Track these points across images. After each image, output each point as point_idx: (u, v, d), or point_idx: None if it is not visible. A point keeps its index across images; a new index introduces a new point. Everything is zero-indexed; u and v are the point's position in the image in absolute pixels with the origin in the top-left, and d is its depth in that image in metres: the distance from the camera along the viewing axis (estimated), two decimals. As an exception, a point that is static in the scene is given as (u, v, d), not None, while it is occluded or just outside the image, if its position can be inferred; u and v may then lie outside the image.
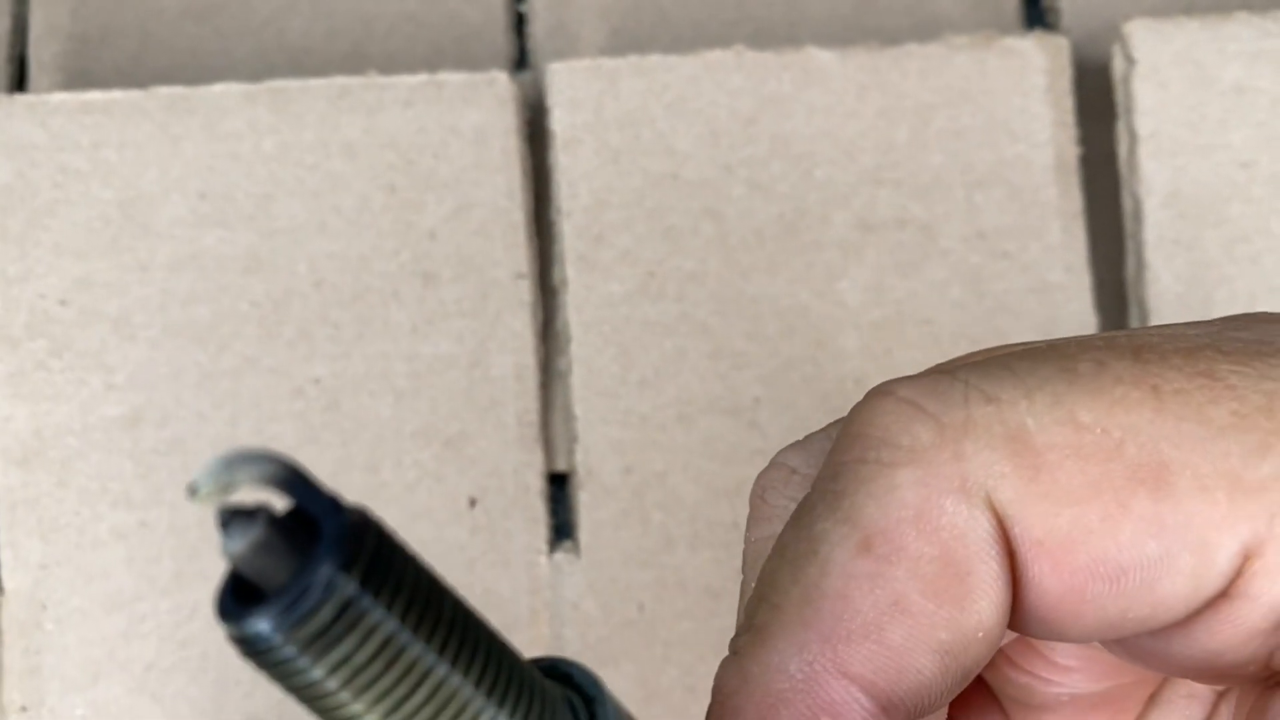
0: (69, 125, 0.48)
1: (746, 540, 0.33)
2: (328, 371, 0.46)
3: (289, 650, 0.21)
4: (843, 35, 0.51)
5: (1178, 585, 0.27)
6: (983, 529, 0.27)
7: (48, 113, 0.48)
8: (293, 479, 0.21)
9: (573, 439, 0.47)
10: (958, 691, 0.29)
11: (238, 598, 0.21)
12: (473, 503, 0.46)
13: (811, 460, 0.31)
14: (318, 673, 0.21)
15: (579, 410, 0.47)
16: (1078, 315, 0.48)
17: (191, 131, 0.48)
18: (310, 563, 0.21)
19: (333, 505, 0.21)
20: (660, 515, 0.46)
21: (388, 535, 0.22)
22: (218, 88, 0.48)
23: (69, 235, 0.47)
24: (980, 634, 0.28)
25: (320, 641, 0.21)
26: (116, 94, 0.48)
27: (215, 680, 0.45)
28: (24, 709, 0.45)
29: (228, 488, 0.21)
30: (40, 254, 0.47)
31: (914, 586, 0.27)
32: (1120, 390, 0.27)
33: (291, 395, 0.46)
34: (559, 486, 0.48)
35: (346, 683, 0.21)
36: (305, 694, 0.22)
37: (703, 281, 0.48)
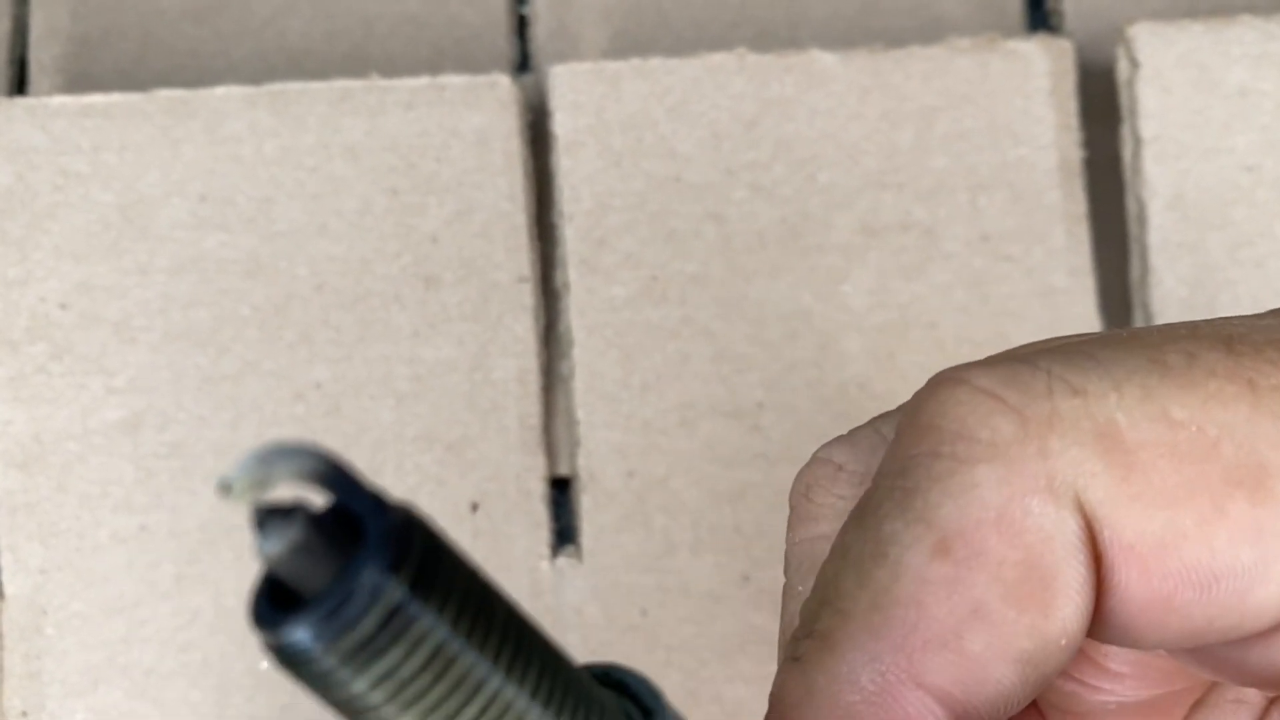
0: (69, 128, 0.48)
1: (789, 541, 0.31)
2: (329, 375, 0.46)
3: (330, 661, 0.19)
4: (845, 38, 0.51)
5: (1271, 595, 0.26)
6: (1071, 532, 0.26)
7: (48, 116, 0.48)
8: (334, 474, 0.19)
9: (575, 443, 0.47)
10: (1034, 696, 0.27)
11: (274, 603, 0.19)
12: (474, 507, 0.46)
13: (859, 456, 0.29)
14: (361, 685, 0.19)
15: (581, 414, 0.47)
16: (1082, 319, 0.48)
17: (192, 134, 0.48)
18: (353, 565, 0.19)
19: (377, 503, 0.19)
20: (663, 520, 0.46)
21: (436, 535, 0.20)
22: (218, 91, 0.48)
23: (69, 238, 0.47)
24: (1063, 642, 0.26)
25: (365, 652, 0.19)
26: (117, 97, 0.48)
27: (216, 685, 0.45)
28: (24, 714, 0.45)
29: (263, 484, 0.19)
30: (40, 257, 0.47)
31: (995, 593, 0.26)
32: (1214, 385, 0.26)
33: (292, 399, 0.46)
34: (561, 491, 0.48)
35: (392, 696, 0.20)
36: (347, 708, 0.20)
37: (705, 285, 0.47)
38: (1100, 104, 0.50)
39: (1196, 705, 0.32)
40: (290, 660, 0.19)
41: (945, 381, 0.27)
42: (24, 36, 0.52)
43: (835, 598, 0.26)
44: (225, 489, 0.19)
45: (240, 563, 0.45)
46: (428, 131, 0.48)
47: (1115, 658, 0.32)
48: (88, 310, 0.47)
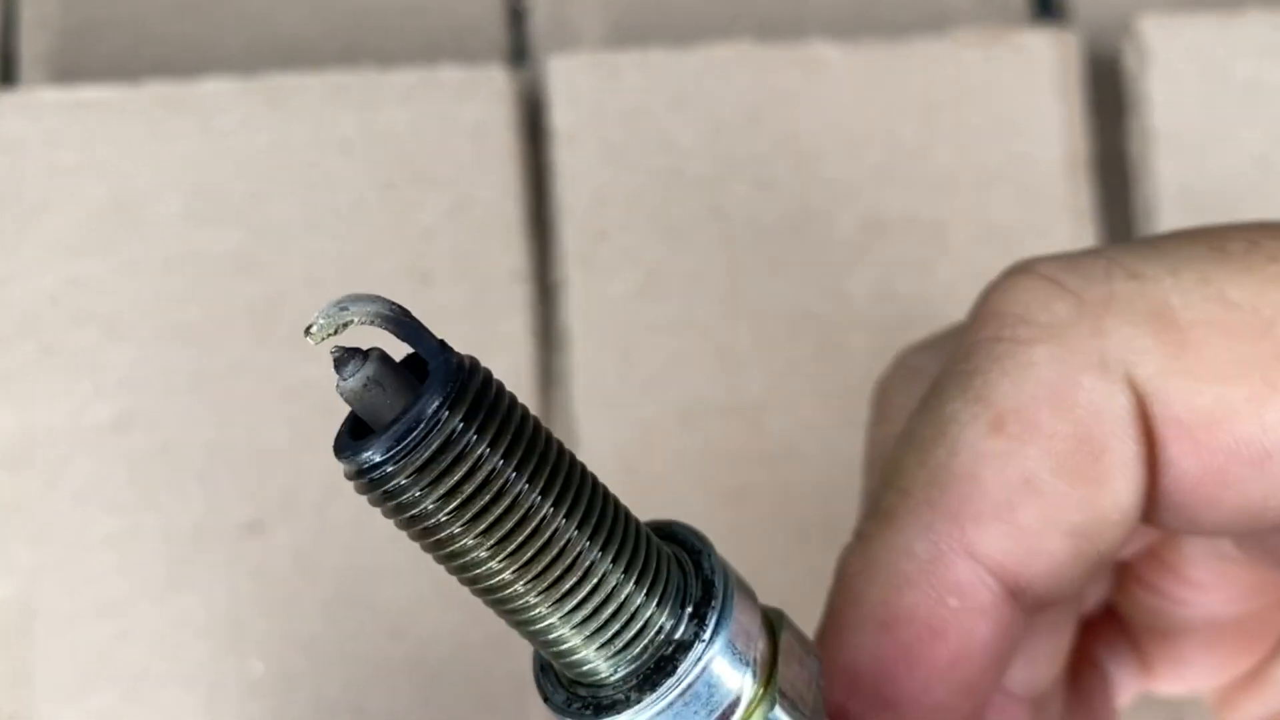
0: (59, 121, 0.48)
1: (869, 441, 0.32)
2: (322, 373, 0.46)
3: (400, 480, 0.22)
4: (849, 29, 0.51)
5: None
6: (1121, 407, 0.26)
7: (38, 109, 0.48)
8: (402, 319, 0.23)
9: (573, 442, 0.46)
10: (1089, 582, 0.28)
11: (355, 437, 0.23)
12: (471, 507, 0.46)
13: (936, 359, 0.30)
14: (429, 503, 0.22)
15: (579, 412, 0.46)
16: (1089, 315, 0.48)
17: (184, 128, 0.47)
18: (418, 399, 0.22)
19: (440, 346, 0.23)
20: (663, 519, 0.46)
21: (493, 379, 0.23)
22: (210, 83, 0.48)
23: (59, 233, 0.47)
24: (1116, 516, 0.27)
25: (427, 472, 0.22)
26: (107, 90, 0.48)
27: (208, 689, 0.44)
28: (13, 717, 0.44)
29: (341, 326, 0.22)
30: (30, 253, 0.47)
31: (1047, 466, 0.26)
32: (1274, 269, 0.26)
33: (285, 397, 0.46)
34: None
35: (455, 514, 0.22)
36: (419, 528, 0.23)
37: (706, 281, 0.47)
38: (1107, 97, 0.50)
39: None
40: (368, 481, 0.22)
41: (1015, 271, 0.28)
42: (14, 28, 0.52)
43: (897, 477, 0.28)
44: (308, 331, 0.22)
45: (232, 565, 0.45)
46: (423, 125, 0.48)
47: (1195, 564, 0.32)
48: (78, 306, 0.46)
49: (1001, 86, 0.49)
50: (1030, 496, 0.27)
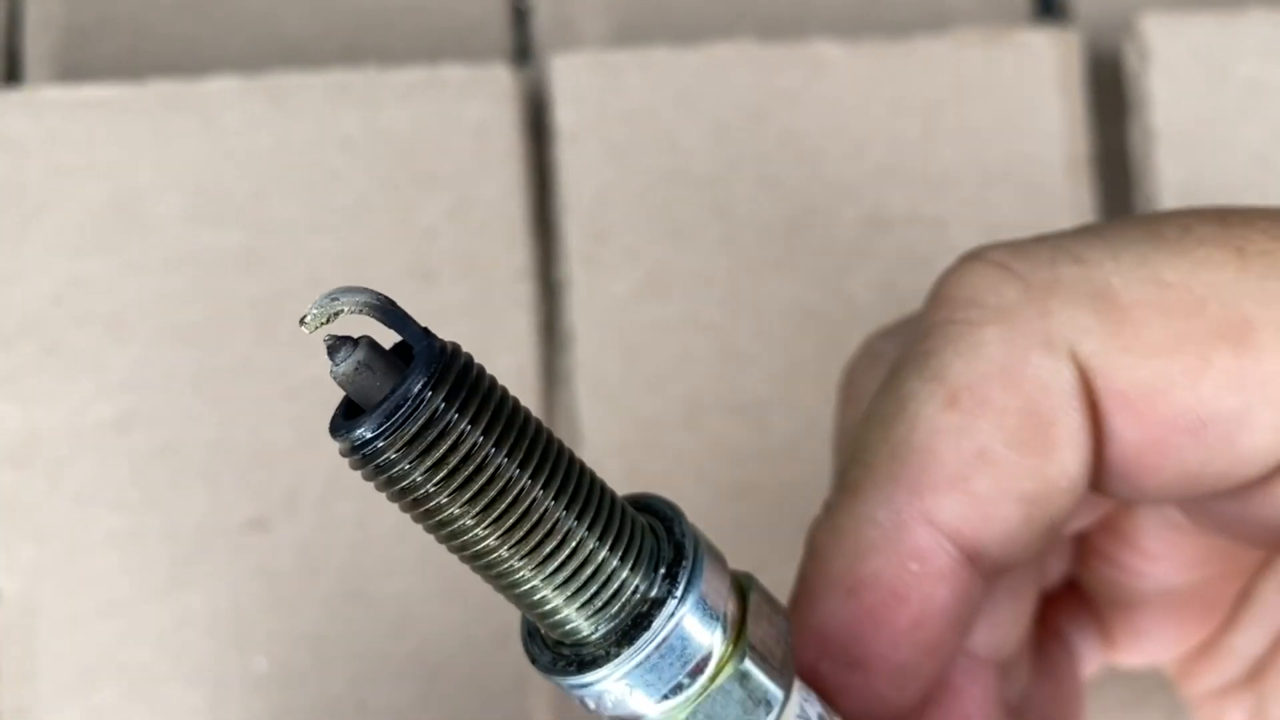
0: (62, 120, 0.48)
1: (837, 424, 0.34)
2: (324, 371, 0.46)
3: (390, 455, 0.24)
4: (852, 28, 0.51)
5: (1258, 440, 0.28)
6: (1066, 381, 0.28)
7: (41, 107, 0.48)
8: (388, 307, 0.25)
9: (576, 439, 0.46)
10: (1042, 548, 0.30)
11: (348, 417, 0.25)
12: (474, 505, 0.46)
13: (899, 344, 0.32)
14: (418, 476, 0.24)
15: (582, 411, 0.46)
16: (1091, 314, 0.48)
17: (187, 127, 0.47)
18: (404, 379, 0.24)
19: (424, 332, 0.25)
20: (665, 518, 0.46)
21: (474, 363, 0.25)
22: (213, 82, 0.48)
23: (62, 233, 0.47)
24: (1064, 484, 0.29)
25: (414, 447, 0.24)
26: (111, 88, 0.48)
27: (212, 686, 0.44)
28: (17, 714, 0.44)
29: (333, 315, 0.24)
30: (33, 252, 0.47)
31: (998, 438, 0.28)
32: (1204, 251, 0.28)
33: (288, 396, 0.46)
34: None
35: (440, 485, 0.25)
36: (409, 498, 0.25)
37: (709, 280, 0.47)
38: (1109, 96, 0.50)
39: (1244, 598, 0.34)
40: (360, 456, 0.25)
41: (965, 258, 0.30)
42: (18, 27, 0.52)
43: (861, 451, 0.29)
44: (302, 321, 0.25)
45: (236, 562, 0.45)
46: (425, 124, 0.48)
47: (1147, 534, 0.34)
48: (80, 306, 0.46)
49: (1003, 86, 0.49)
50: (984, 467, 0.28)
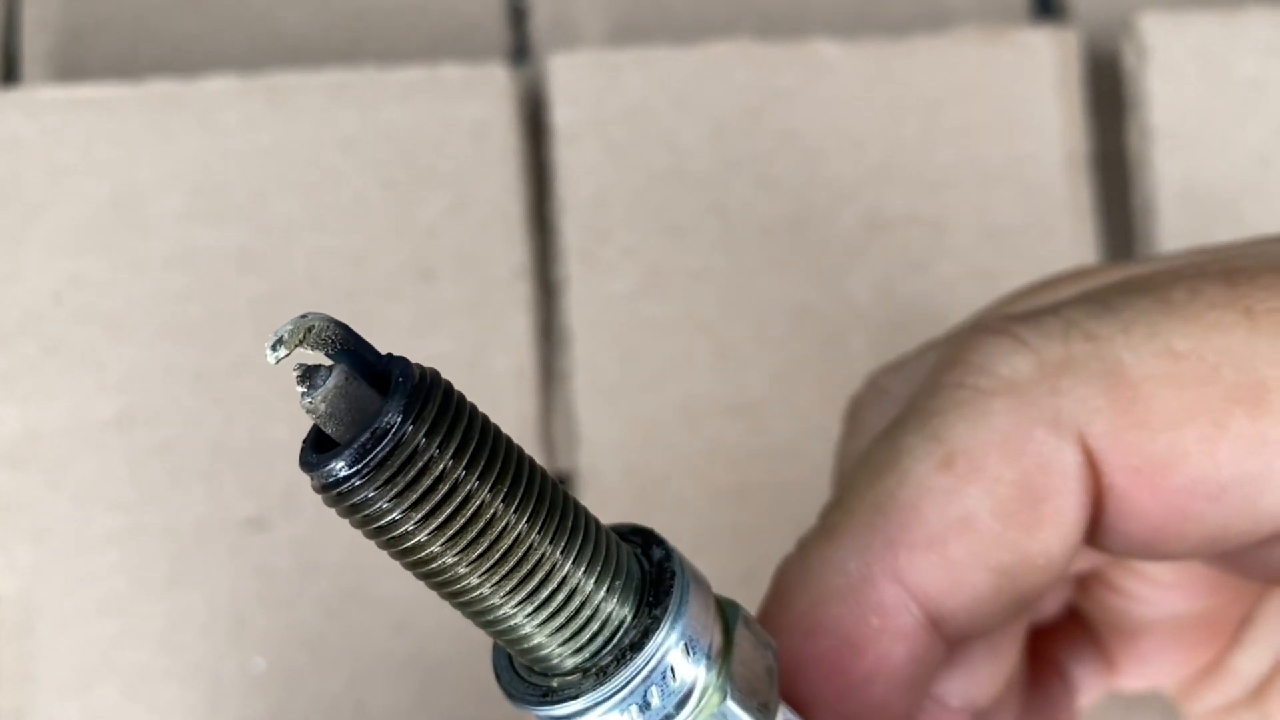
0: (61, 120, 0.47)
1: (838, 454, 0.34)
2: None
3: (369, 493, 0.23)
4: (850, 28, 0.51)
5: None
6: (1068, 463, 0.28)
7: (39, 107, 0.48)
8: (351, 333, 0.23)
9: (575, 440, 0.46)
10: (1012, 619, 0.30)
11: (319, 449, 0.23)
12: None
13: (903, 381, 0.32)
14: (397, 515, 0.23)
15: (581, 411, 0.46)
16: (1089, 313, 0.48)
17: (185, 126, 0.47)
18: (382, 411, 0.23)
19: (404, 362, 0.23)
20: (664, 517, 0.46)
21: (453, 389, 0.24)
22: (212, 82, 0.48)
23: (61, 232, 0.47)
24: (1042, 562, 0.29)
25: (393, 483, 0.23)
26: (109, 88, 0.48)
27: (209, 686, 0.44)
28: (16, 712, 0.44)
29: (306, 331, 0.23)
30: (32, 251, 0.47)
31: (986, 506, 0.28)
32: (1214, 315, 0.28)
33: (287, 394, 0.46)
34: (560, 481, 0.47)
35: (420, 524, 0.23)
36: (385, 536, 0.23)
37: (707, 279, 0.47)
38: (1108, 95, 0.50)
39: (1246, 621, 0.34)
40: (334, 494, 0.23)
41: (980, 325, 0.30)
42: (16, 27, 0.51)
43: (847, 496, 0.29)
44: (275, 347, 0.23)
45: (234, 561, 0.45)
46: (424, 123, 0.48)
47: (1160, 565, 0.34)
48: (79, 305, 0.46)
49: (1002, 85, 0.49)
50: (965, 533, 0.28)
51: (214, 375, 0.46)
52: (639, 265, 0.47)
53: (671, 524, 0.46)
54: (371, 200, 0.47)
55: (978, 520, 0.28)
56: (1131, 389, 0.28)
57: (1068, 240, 0.48)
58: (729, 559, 0.46)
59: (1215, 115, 0.48)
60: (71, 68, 0.51)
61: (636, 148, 0.48)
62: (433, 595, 0.44)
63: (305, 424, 0.46)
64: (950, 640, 0.30)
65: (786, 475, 0.45)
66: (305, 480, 0.45)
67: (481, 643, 0.45)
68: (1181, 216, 0.48)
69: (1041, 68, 0.49)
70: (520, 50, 0.52)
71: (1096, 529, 0.29)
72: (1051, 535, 0.29)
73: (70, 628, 0.45)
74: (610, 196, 0.47)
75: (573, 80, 0.48)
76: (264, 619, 0.45)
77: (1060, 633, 0.36)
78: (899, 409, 0.31)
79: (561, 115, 0.48)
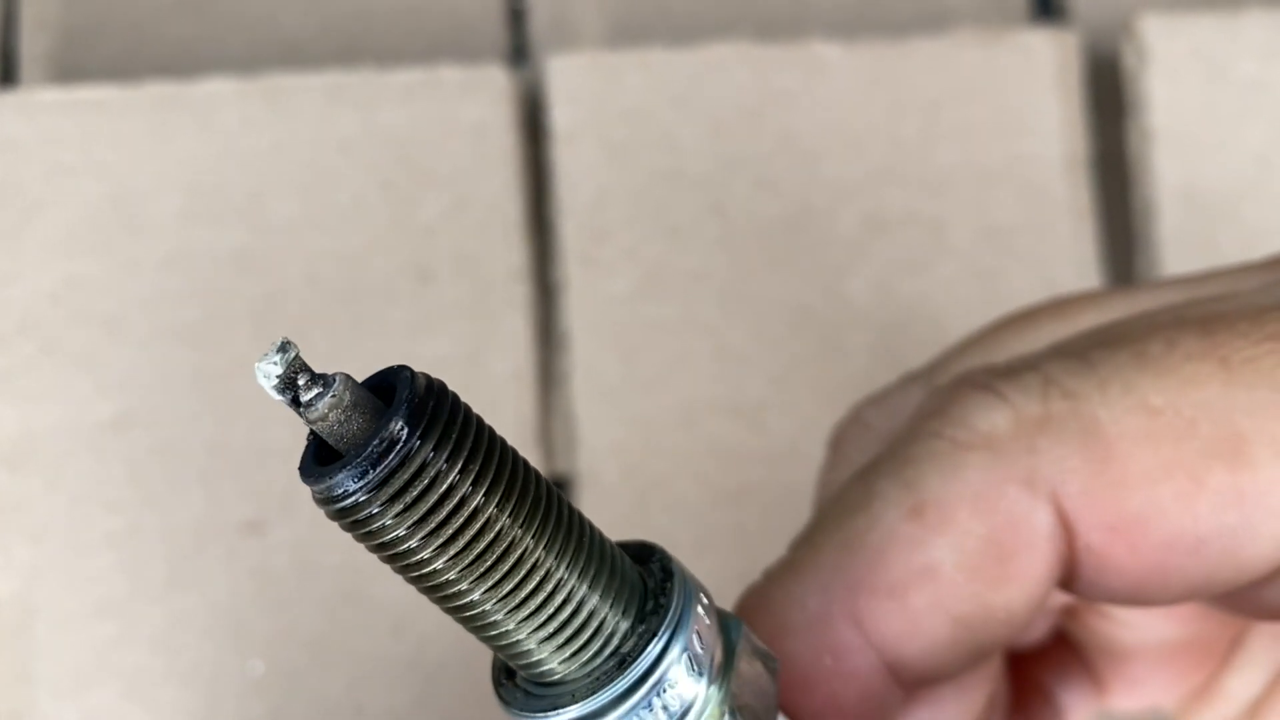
0: (59, 121, 0.47)
1: (819, 484, 0.34)
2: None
3: (373, 509, 0.22)
4: (849, 28, 0.51)
5: (1261, 549, 0.28)
6: (1040, 522, 0.28)
7: (37, 109, 0.48)
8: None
9: (573, 442, 0.46)
10: (972, 666, 0.30)
11: (321, 461, 0.22)
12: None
13: (884, 417, 0.32)
14: (402, 530, 0.22)
15: (580, 412, 0.46)
16: (1089, 315, 0.47)
17: (183, 127, 0.47)
18: (386, 423, 0.22)
19: (408, 372, 0.23)
20: (664, 519, 0.46)
21: (460, 400, 0.23)
22: (210, 83, 0.48)
23: (59, 233, 0.47)
24: (1002, 616, 0.29)
25: (401, 499, 0.22)
26: (107, 90, 0.48)
27: (207, 688, 0.44)
28: (14, 715, 0.44)
29: (292, 361, 0.22)
30: (29, 252, 0.47)
31: (951, 558, 0.28)
32: (1190, 368, 0.28)
33: (285, 397, 0.46)
34: (559, 489, 0.47)
35: (425, 540, 0.23)
36: (388, 552, 0.23)
37: (706, 280, 0.47)
38: (1107, 96, 0.50)
39: (1237, 643, 0.35)
40: (337, 509, 0.22)
41: (962, 380, 0.30)
42: (14, 28, 0.51)
43: (815, 533, 0.29)
44: (290, 377, 0.22)
45: (232, 563, 0.45)
46: (423, 124, 0.48)
47: None
48: (77, 306, 0.46)
49: (1001, 86, 0.49)
50: (927, 582, 0.28)
51: (212, 376, 0.46)
52: (638, 266, 0.47)
53: (670, 525, 0.46)
54: (370, 201, 0.47)
55: (941, 571, 0.28)
56: (1107, 448, 0.28)
57: (1067, 241, 0.48)
58: (727, 560, 0.46)
59: (1215, 116, 0.48)
60: (70, 69, 0.51)
61: (636, 149, 0.48)
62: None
63: (304, 427, 0.46)
64: (907, 685, 0.30)
65: (786, 476, 0.45)
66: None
67: (480, 645, 0.45)
68: (1181, 217, 0.48)
69: (1041, 69, 0.49)
70: (519, 51, 0.52)
71: (1076, 582, 0.29)
72: (1015, 592, 0.29)
73: (68, 629, 0.45)
74: (609, 198, 0.47)
75: (571, 81, 0.48)
76: (262, 621, 0.45)
77: (1048, 657, 0.36)
78: (878, 445, 0.31)
79: (560, 116, 0.48)
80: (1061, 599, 0.35)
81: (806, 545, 0.30)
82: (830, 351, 0.47)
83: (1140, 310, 0.31)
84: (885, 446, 0.30)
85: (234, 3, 0.52)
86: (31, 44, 0.51)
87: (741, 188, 0.48)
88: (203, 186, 0.47)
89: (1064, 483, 0.28)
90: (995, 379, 0.29)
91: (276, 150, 0.47)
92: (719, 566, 0.46)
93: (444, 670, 0.44)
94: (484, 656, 0.44)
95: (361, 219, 0.47)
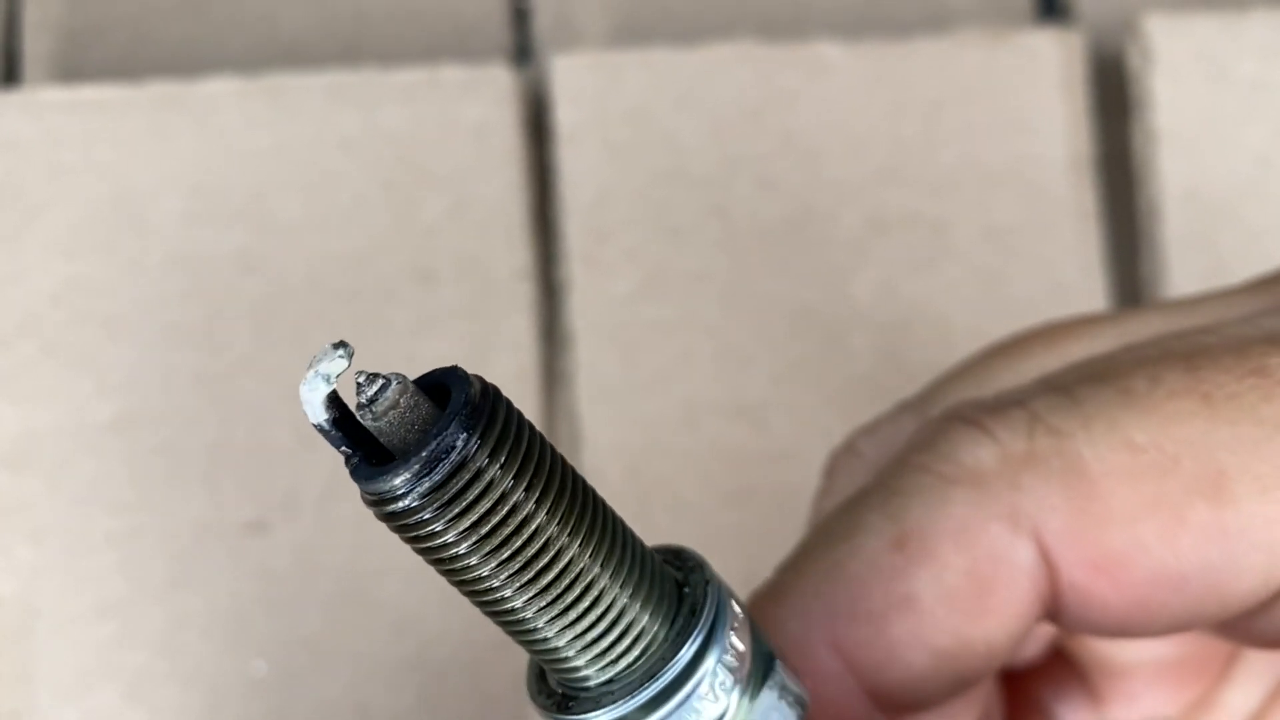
0: (61, 121, 0.47)
1: (813, 510, 0.35)
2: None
3: (426, 514, 0.22)
4: (852, 29, 0.50)
5: (1244, 583, 0.28)
6: (1021, 559, 0.29)
7: (40, 108, 0.48)
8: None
9: (576, 441, 0.46)
10: (953, 695, 0.30)
11: (373, 462, 0.22)
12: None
13: (877, 445, 0.33)
14: (451, 536, 0.22)
15: (582, 412, 0.46)
16: (1092, 315, 0.47)
17: (185, 127, 0.47)
18: (446, 427, 0.22)
19: (463, 375, 0.22)
20: (666, 519, 0.46)
21: (513, 405, 0.23)
22: (212, 83, 0.48)
23: (60, 233, 0.47)
24: (981, 649, 0.29)
25: (455, 505, 0.22)
26: (109, 89, 0.48)
27: (209, 689, 0.44)
28: (15, 715, 0.44)
29: (336, 374, 0.22)
30: (31, 252, 0.47)
31: (931, 590, 0.29)
32: (1173, 405, 0.28)
33: (287, 397, 0.46)
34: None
35: (475, 546, 0.22)
36: (436, 556, 0.23)
37: (709, 280, 0.47)
38: (1111, 97, 0.50)
39: (1234, 659, 0.35)
40: (388, 512, 0.22)
41: (950, 415, 0.30)
42: (16, 28, 0.51)
43: (801, 558, 0.30)
44: (358, 385, 0.22)
45: (234, 564, 0.45)
46: (425, 124, 0.48)
47: None
48: (79, 306, 0.46)
49: (1005, 86, 0.48)
50: (906, 612, 0.29)
51: (213, 377, 0.46)
52: (641, 266, 0.47)
53: (673, 525, 0.46)
54: (372, 201, 0.47)
55: (921, 602, 0.29)
56: (1090, 485, 0.28)
57: (1071, 242, 0.48)
58: (730, 560, 0.46)
59: (1219, 117, 0.48)
60: (72, 69, 0.51)
61: (638, 149, 0.48)
62: (434, 599, 0.44)
63: (306, 426, 0.46)
64: (887, 711, 0.30)
65: (788, 477, 0.45)
66: (306, 483, 0.45)
67: (483, 646, 0.45)
68: (1185, 218, 0.48)
69: (1045, 69, 0.49)
70: (522, 51, 0.52)
71: (1060, 616, 0.30)
72: (995, 625, 0.29)
73: (69, 630, 0.45)
74: (612, 197, 0.47)
75: (574, 81, 0.48)
76: (264, 622, 0.45)
77: (1045, 673, 0.37)
78: (869, 474, 0.31)
79: (563, 116, 0.48)
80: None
81: (790, 570, 0.30)
82: (832, 352, 0.47)
83: (1128, 340, 0.31)
84: (874, 477, 0.30)
85: (236, 3, 0.52)
86: (34, 44, 0.51)
87: (744, 188, 0.48)
88: (204, 186, 0.47)
89: (1047, 520, 0.28)
90: (983, 414, 0.30)
91: (278, 150, 0.47)
92: (721, 566, 0.46)
93: (446, 671, 0.44)
94: (486, 658, 0.44)
95: (364, 219, 0.47)
